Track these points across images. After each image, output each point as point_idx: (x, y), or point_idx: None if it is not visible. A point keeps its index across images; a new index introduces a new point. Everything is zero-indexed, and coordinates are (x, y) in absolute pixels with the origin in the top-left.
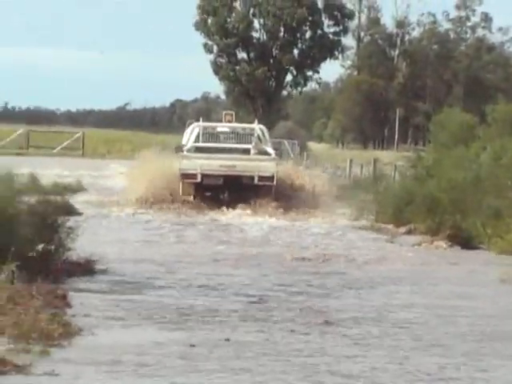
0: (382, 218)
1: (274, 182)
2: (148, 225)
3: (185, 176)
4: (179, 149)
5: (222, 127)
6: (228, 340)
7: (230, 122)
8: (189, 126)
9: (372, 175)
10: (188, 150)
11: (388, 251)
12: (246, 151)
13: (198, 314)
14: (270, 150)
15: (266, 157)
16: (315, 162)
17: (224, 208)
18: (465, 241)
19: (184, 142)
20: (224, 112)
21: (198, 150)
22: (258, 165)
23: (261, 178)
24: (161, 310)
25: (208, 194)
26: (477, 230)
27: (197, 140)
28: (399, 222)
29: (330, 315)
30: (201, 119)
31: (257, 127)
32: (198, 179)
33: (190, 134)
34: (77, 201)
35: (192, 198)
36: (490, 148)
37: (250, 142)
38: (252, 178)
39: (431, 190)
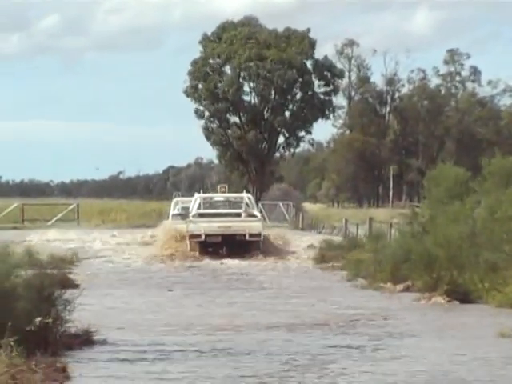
0: (380, 276)
1: (262, 238)
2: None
3: (192, 236)
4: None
5: (218, 197)
6: None
7: (223, 192)
8: (175, 197)
9: (368, 234)
10: (193, 216)
11: (389, 309)
12: (238, 215)
13: None
14: (256, 213)
15: (254, 218)
16: (311, 223)
17: (225, 259)
18: (463, 296)
19: (171, 211)
20: (219, 185)
21: (201, 215)
22: (249, 225)
23: (251, 235)
24: (165, 381)
25: (210, 249)
26: (474, 285)
27: (199, 208)
28: (396, 279)
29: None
30: (201, 191)
31: (245, 196)
32: (203, 238)
33: (194, 203)
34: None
35: (198, 253)
36: (484, 202)
37: (240, 208)
38: (244, 235)
39: (427, 247)
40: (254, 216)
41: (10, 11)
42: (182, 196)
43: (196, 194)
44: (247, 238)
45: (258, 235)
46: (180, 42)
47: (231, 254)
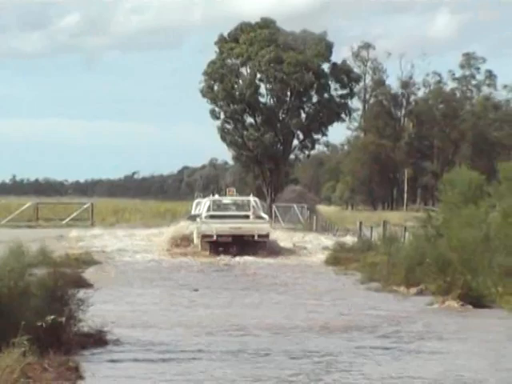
0: (393, 279)
1: (269, 238)
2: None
3: (204, 236)
4: (192, 217)
5: (227, 200)
6: None
7: (232, 195)
8: (196, 197)
9: (382, 237)
10: (205, 217)
11: (404, 312)
12: (247, 216)
13: None
14: (264, 215)
15: (262, 220)
16: (325, 226)
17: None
18: (476, 300)
19: (193, 211)
20: (227, 188)
21: (212, 217)
22: (257, 226)
23: (259, 236)
24: (178, 382)
25: (220, 248)
26: (488, 289)
27: (209, 210)
28: (410, 282)
29: None
30: (211, 195)
31: (252, 199)
32: (214, 238)
33: (204, 205)
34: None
35: (208, 252)
36: (499, 206)
37: (247, 210)
38: (253, 235)
39: (441, 250)
40: (262, 218)
41: (31, 10)
42: (204, 197)
43: (216, 196)
44: (256, 238)
45: (266, 236)
46: (200, 42)
47: (240, 254)
